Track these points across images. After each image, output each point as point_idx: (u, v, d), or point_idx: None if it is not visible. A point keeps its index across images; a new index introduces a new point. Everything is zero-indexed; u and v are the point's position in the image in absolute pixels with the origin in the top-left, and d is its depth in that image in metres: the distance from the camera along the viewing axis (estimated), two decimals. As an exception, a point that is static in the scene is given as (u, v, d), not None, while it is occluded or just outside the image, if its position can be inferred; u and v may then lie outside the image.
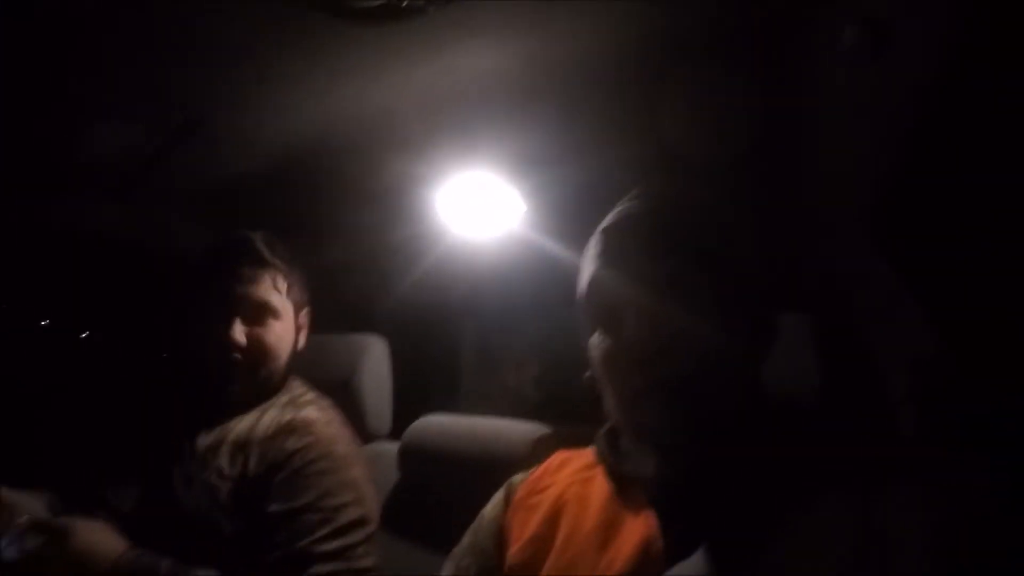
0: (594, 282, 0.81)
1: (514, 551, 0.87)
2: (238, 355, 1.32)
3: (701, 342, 0.73)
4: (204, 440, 1.32)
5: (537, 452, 1.27)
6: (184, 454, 1.32)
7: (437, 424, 1.56)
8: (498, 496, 0.97)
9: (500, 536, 0.92)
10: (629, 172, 1.17)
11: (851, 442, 0.74)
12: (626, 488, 0.81)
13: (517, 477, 0.98)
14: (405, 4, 0.87)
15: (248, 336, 1.33)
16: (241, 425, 1.32)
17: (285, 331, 1.39)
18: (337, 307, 1.84)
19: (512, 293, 1.78)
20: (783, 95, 1.07)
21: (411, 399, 1.81)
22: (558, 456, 0.97)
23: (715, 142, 1.11)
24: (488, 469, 1.02)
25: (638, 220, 0.80)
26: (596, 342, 0.81)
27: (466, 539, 0.96)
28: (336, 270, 1.85)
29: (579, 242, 0.87)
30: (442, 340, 2.12)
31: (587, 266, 0.83)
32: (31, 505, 1.17)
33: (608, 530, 0.79)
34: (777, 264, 0.89)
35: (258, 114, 1.34)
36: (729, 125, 1.10)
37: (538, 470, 0.96)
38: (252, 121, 1.38)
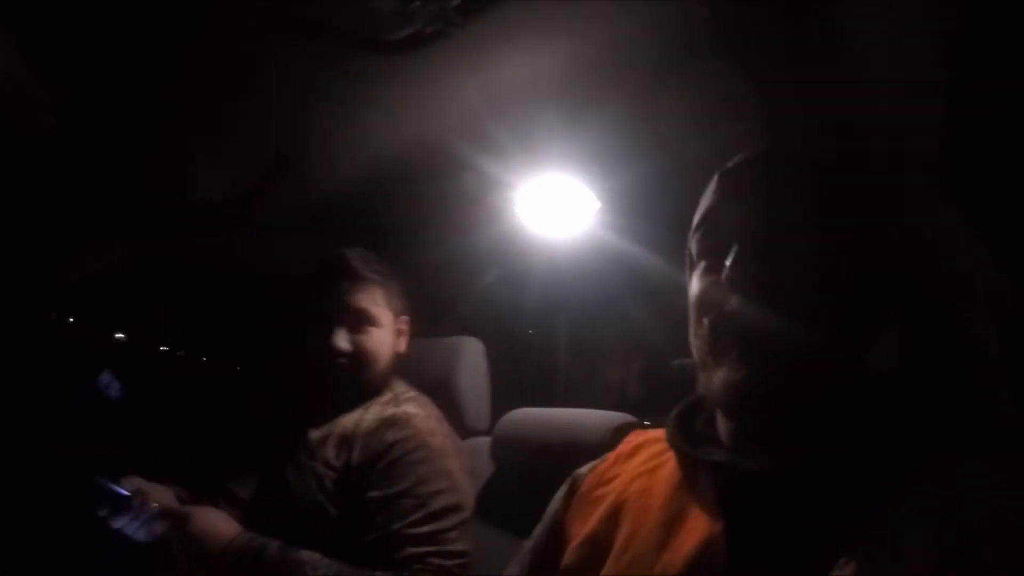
0: (708, 213, 0.77)
1: (570, 550, 0.80)
2: (343, 359, 1.46)
3: (802, 295, 0.67)
4: (314, 434, 1.46)
5: (616, 439, 1.24)
6: (296, 447, 1.46)
7: (525, 416, 1.61)
8: (562, 489, 0.91)
9: (559, 533, 0.86)
10: (700, 167, 1.18)
11: (945, 429, 0.66)
12: (695, 476, 0.73)
13: (584, 468, 0.91)
14: (429, 31, 0.95)
15: (350, 343, 1.47)
16: (347, 420, 1.45)
17: (384, 337, 1.52)
18: (435, 312, 1.95)
19: (595, 290, 1.81)
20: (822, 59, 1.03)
21: (510, 397, 1.87)
22: (631, 440, 0.90)
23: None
24: (573, 457, 0.99)
25: (759, 162, 0.76)
26: (697, 275, 0.76)
27: (534, 533, 0.91)
28: (428, 276, 1.95)
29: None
30: (536, 339, 2.17)
31: (703, 202, 0.79)
32: (161, 494, 1.34)
33: (670, 527, 0.70)
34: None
35: (341, 141, 1.48)
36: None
37: (608, 458, 0.89)
38: (337, 148, 1.51)
